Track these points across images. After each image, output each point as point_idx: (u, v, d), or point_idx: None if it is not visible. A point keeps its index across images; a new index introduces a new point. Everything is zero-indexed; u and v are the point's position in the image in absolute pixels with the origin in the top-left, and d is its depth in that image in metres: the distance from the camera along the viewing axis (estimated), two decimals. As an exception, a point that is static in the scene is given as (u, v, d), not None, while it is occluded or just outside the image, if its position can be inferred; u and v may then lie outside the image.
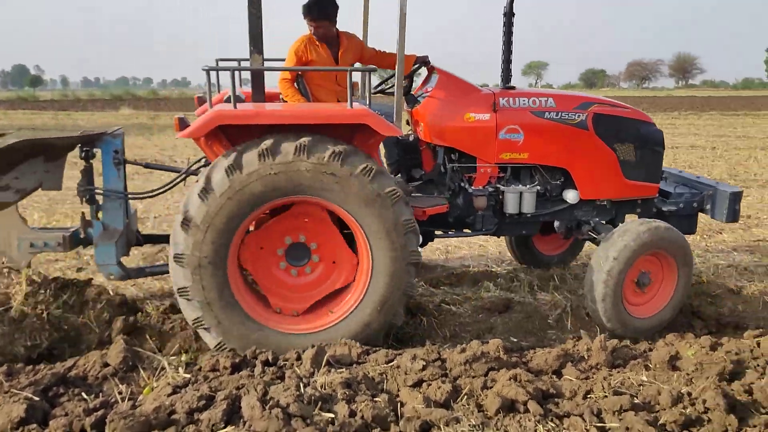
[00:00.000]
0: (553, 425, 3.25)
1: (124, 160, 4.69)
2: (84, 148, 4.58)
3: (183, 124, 4.85)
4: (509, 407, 3.39)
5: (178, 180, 4.83)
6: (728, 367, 3.79)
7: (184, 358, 4.27)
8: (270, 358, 3.97)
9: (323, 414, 3.26)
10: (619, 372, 3.97)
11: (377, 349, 4.15)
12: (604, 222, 5.41)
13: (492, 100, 4.96)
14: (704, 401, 3.40)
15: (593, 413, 3.35)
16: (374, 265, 4.23)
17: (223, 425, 3.18)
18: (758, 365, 3.97)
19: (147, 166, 5.26)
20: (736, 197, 5.20)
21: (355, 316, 4.31)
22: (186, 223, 3.94)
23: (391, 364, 3.92)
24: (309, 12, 5.02)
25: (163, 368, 3.99)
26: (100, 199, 4.70)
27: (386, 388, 3.67)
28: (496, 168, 5.10)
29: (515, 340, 4.79)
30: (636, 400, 3.48)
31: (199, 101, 5.29)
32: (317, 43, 5.12)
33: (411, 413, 3.31)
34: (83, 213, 4.71)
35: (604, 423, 3.27)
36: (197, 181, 4.06)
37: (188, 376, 3.78)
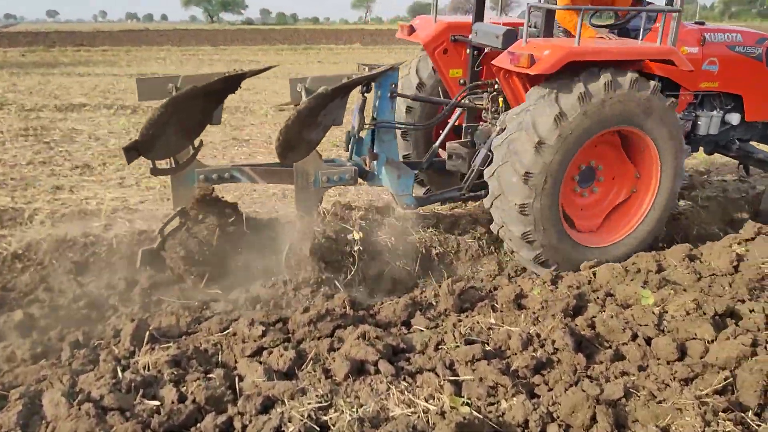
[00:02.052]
0: (406, 384, 3.03)
1: (396, 94, 4.78)
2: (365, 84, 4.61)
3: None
4: (359, 369, 3.13)
5: (446, 111, 5.32)
6: (571, 302, 3.79)
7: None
8: (80, 338, 3.39)
9: (146, 402, 2.80)
10: (468, 316, 3.85)
11: (210, 316, 3.71)
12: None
13: (699, 35, 5.51)
14: (553, 342, 3.35)
15: (446, 366, 3.18)
16: (662, 173, 4.91)
17: (19, 431, 2.62)
18: (598, 297, 4.02)
19: (416, 98, 5.53)
20: None
21: (650, 217, 5.01)
22: (527, 176, 4.33)
23: (227, 332, 3.51)
24: None
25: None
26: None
27: (222, 360, 3.27)
28: (691, 95, 5.62)
29: (362, 289, 4.53)
30: (488, 347, 3.37)
31: (409, 30, 5.70)
32: None
33: (251, 389, 2.94)
34: (370, 146, 4.75)
35: (458, 376, 3.11)
36: (514, 130, 4.41)
37: (-27, 371, 3.11)
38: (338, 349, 3.31)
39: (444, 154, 5.51)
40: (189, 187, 4.36)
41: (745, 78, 5.76)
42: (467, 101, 5.43)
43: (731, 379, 2.98)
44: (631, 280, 4.29)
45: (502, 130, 4.58)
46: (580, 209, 5.05)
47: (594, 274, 4.50)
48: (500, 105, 5.25)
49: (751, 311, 3.68)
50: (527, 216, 4.43)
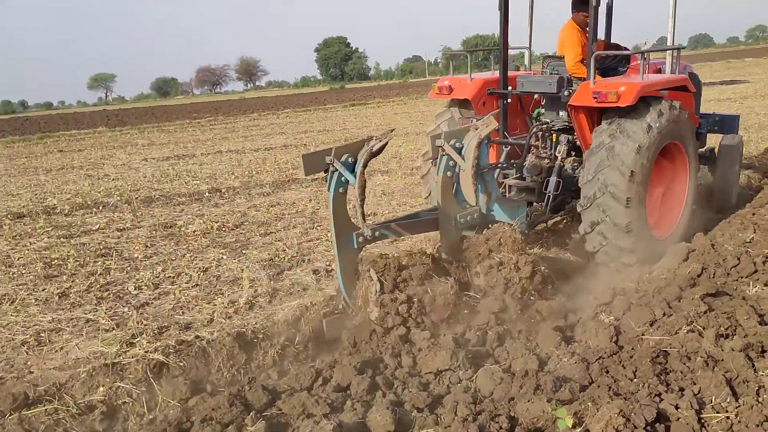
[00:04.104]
0: None
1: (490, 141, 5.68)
2: None
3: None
4: None
5: (526, 149, 6.45)
6: (480, 448, 2.89)
7: None
8: None
9: None
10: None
11: None
12: None
13: (655, 68, 6.85)
14: None
15: None
16: (691, 175, 6.32)
17: None
18: (501, 427, 3.16)
19: (503, 143, 6.74)
20: (738, 119, 8.18)
21: (686, 210, 6.40)
22: (631, 174, 5.43)
23: None
24: (583, 3, 6.40)
25: None
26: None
27: None
28: None
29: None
30: None
31: (448, 90, 6.79)
32: (579, 29, 6.69)
33: None
34: (485, 187, 5.38)
35: None
36: (610, 141, 5.56)
37: None
38: None
39: None
40: (352, 250, 4.68)
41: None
42: (512, 140, 6.71)
43: None
44: (520, 387, 3.54)
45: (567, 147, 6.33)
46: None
47: (472, 380, 3.71)
48: (554, 140, 6.49)
49: (677, 408, 3.10)
50: (629, 208, 5.42)
